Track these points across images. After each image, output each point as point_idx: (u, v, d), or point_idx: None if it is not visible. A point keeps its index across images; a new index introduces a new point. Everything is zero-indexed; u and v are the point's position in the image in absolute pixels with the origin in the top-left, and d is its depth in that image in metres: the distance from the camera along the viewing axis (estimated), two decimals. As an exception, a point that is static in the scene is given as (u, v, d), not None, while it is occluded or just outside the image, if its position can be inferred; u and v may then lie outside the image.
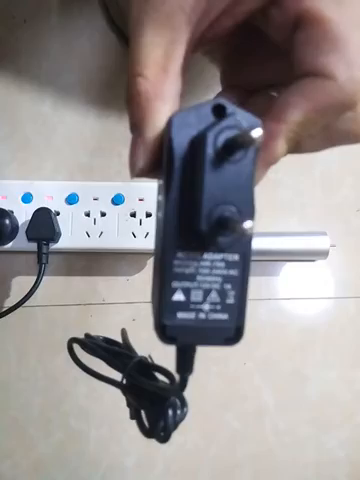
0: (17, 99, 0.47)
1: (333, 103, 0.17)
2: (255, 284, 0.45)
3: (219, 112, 0.17)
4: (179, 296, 0.18)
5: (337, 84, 0.17)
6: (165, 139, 0.17)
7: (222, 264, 0.18)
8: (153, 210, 0.42)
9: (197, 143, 0.17)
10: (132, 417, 0.28)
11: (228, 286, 0.18)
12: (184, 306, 0.18)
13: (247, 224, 0.15)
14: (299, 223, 0.46)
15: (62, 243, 0.42)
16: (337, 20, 0.17)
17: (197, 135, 0.17)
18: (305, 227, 0.46)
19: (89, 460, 0.44)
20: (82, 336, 0.31)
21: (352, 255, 0.46)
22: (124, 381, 0.28)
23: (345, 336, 0.45)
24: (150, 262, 0.45)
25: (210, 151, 0.16)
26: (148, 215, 0.42)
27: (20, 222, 0.42)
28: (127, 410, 0.28)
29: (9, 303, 0.44)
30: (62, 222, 0.42)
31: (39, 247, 0.41)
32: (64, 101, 0.47)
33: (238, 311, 0.18)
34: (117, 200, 0.42)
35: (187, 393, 0.23)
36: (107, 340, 0.32)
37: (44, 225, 0.40)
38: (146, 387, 0.27)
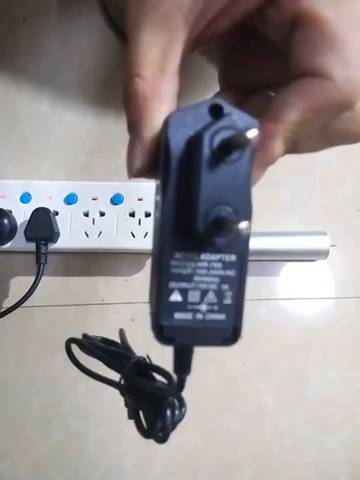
0: (16, 99, 0.47)
1: (330, 103, 0.17)
2: (255, 284, 0.45)
3: (216, 112, 0.17)
4: (176, 297, 0.18)
5: (334, 84, 0.17)
6: (162, 139, 0.17)
7: (219, 265, 0.18)
8: (152, 210, 0.42)
9: (193, 143, 0.17)
10: (130, 417, 0.28)
11: (225, 286, 0.18)
12: (181, 307, 0.18)
13: (242, 225, 0.15)
14: (299, 223, 0.46)
15: (61, 243, 0.42)
16: (334, 20, 0.17)
17: (194, 135, 0.17)
18: (305, 227, 0.46)
19: (88, 460, 0.44)
20: (81, 336, 0.31)
21: (352, 255, 0.46)
22: (122, 381, 0.28)
23: (345, 336, 0.45)
24: (149, 262, 0.45)
25: (206, 151, 0.16)
26: (147, 215, 0.42)
27: (19, 222, 0.42)
28: (126, 410, 0.28)
29: (8, 303, 0.44)
30: (61, 222, 0.42)
31: (38, 247, 0.41)
32: (62, 100, 0.47)
33: (235, 311, 0.18)
34: (116, 200, 0.42)
35: (186, 393, 0.23)
36: (105, 340, 0.32)
37: (43, 225, 0.40)
38: (144, 387, 0.27)
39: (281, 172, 0.46)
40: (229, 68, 0.23)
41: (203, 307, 0.18)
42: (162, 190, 0.17)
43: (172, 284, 0.18)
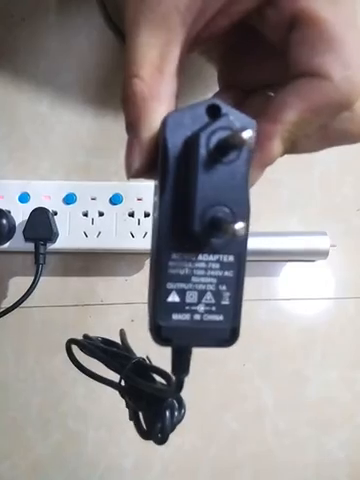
0: (15, 99, 0.47)
1: (329, 103, 0.17)
2: (255, 284, 0.45)
3: (213, 112, 0.17)
4: (174, 297, 0.18)
5: (333, 84, 0.17)
6: (160, 139, 0.17)
7: (217, 265, 0.18)
8: (151, 210, 0.42)
9: (191, 144, 0.17)
10: (131, 418, 0.28)
11: (223, 287, 0.18)
12: (179, 307, 0.18)
13: (238, 225, 0.15)
14: (299, 223, 0.46)
15: (60, 243, 0.42)
16: (332, 20, 0.17)
17: (191, 135, 0.17)
18: (305, 227, 0.46)
19: (87, 461, 0.44)
20: (80, 337, 0.31)
21: (352, 255, 0.46)
22: (122, 382, 0.28)
23: (345, 336, 0.45)
24: (148, 262, 0.45)
25: (203, 152, 0.16)
26: (146, 215, 0.42)
27: (17, 222, 0.42)
28: (125, 411, 0.28)
29: (6, 304, 0.44)
30: (60, 222, 0.42)
31: (36, 247, 0.41)
32: (62, 100, 0.47)
33: (233, 312, 0.18)
34: (115, 200, 0.42)
35: (186, 394, 0.23)
36: (105, 341, 0.32)
37: (41, 225, 0.40)
38: (143, 388, 0.27)
39: (280, 172, 0.46)
40: (228, 68, 0.23)
41: (201, 308, 0.18)
42: (160, 190, 0.17)
43: (170, 285, 0.18)
